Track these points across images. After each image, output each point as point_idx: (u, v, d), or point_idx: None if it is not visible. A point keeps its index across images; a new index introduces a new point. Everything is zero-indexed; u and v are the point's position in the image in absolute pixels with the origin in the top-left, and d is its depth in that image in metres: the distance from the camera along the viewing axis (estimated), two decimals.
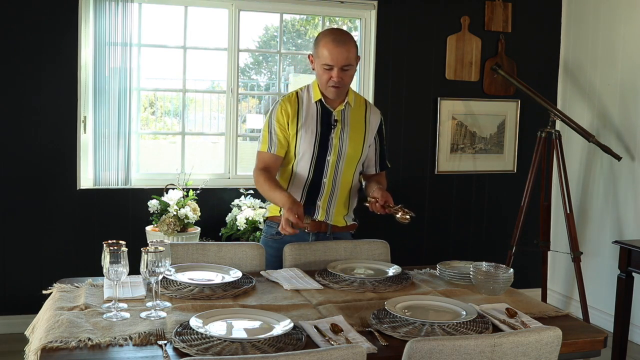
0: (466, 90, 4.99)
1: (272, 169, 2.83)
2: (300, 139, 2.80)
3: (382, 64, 4.81)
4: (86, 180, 4.36)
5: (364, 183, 3.01)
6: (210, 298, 2.24)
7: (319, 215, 2.86)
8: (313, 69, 2.82)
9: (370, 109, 2.96)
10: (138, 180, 4.47)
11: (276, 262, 2.81)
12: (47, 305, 2.19)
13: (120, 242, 2.09)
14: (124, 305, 2.13)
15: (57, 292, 2.27)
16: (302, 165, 2.83)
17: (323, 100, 2.83)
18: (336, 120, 2.84)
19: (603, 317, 4.59)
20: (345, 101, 2.86)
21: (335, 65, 2.70)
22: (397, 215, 2.62)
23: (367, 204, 2.78)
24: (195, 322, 1.91)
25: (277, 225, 2.88)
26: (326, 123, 2.83)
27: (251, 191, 4.48)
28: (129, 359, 1.76)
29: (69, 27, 4.21)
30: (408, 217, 2.59)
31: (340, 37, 2.73)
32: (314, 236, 2.88)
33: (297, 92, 2.89)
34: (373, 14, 4.78)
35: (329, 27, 3.02)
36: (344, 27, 5.12)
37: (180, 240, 4.11)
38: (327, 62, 2.70)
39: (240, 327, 1.96)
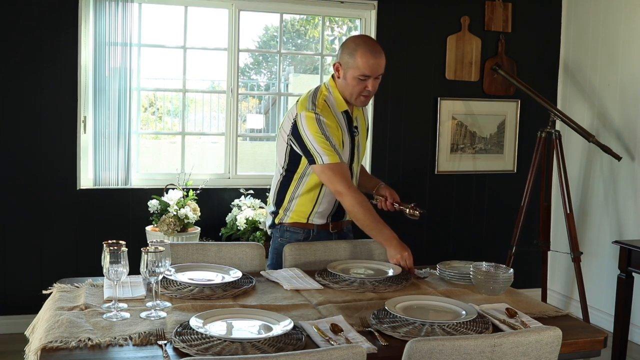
0: (466, 90, 4.99)
1: (350, 179, 2.75)
2: (341, 150, 2.74)
3: None
4: (86, 180, 4.35)
5: None
6: (210, 298, 2.24)
7: (346, 217, 2.90)
8: (338, 77, 2.73)
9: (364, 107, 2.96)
10: (138, 180, 4.47)
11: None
12: (47, 305, 2.19)
13: (120, 242, 2.09)
14: (124, 305, 2.13)
15: (57, 292, 2.27)
16: None
17: (348, 109, 2.80)
18: (356, 127, 2.84)
19: (603, 317, 4.59)
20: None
21: (373, 75, 2.68)
22: (407, 211, 2.61)
23: (374, 202, 2.78)
24: (195, 322, 1.91)
25: (303, 231, 2.85)
26: (350, 132, 2.81)
27: (251, 191, 4.48)
28: (129, 359, 1.76)
29: (68, 27, 4.21)
30: (417, 213, 2.59)
31: (376, 47, 2.70)
32: (336, 235, 2.91)
33: (324, 102, 2.73)
34: (373, 14, 4.78)
35: (357, 35, 2.93)
36: (344, 27, 5.13)
37: (180, 240, 4.11)
38: (365, 73, 2.66)
39: (240, 327, 1.96)
